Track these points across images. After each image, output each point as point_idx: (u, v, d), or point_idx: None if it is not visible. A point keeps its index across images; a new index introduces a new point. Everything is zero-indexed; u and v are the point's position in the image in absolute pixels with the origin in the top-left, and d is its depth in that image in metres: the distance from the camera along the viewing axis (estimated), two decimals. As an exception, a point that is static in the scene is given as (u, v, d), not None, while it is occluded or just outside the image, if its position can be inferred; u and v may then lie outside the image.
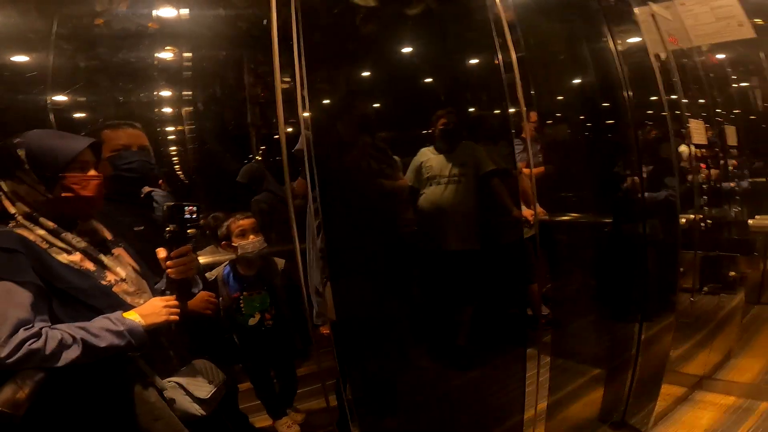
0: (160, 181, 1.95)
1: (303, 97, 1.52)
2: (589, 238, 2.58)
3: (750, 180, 2.98)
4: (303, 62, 1.54)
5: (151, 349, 1.23)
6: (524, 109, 1.98)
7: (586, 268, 2.59)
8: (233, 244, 1.94)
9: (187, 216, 1.28)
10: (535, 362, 2.07)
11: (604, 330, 2.59)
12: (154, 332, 1.21)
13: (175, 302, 1.26)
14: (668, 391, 2.57)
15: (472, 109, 2.46)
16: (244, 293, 1.98)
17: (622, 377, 2.52)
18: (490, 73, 2.11)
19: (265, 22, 1.49)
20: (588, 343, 2.63)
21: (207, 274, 1.94)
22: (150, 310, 1.20)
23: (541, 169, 2.08)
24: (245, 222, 1.95)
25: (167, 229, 1.27)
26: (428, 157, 2.21)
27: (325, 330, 1.73)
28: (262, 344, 2.01)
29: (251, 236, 1.94)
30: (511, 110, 1.99)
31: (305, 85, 1.55)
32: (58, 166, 1.16)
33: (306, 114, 1.55)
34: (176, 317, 1.24)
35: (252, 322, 1.98)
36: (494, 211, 2.14)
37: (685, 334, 2.58)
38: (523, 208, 2.02)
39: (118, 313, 1.16)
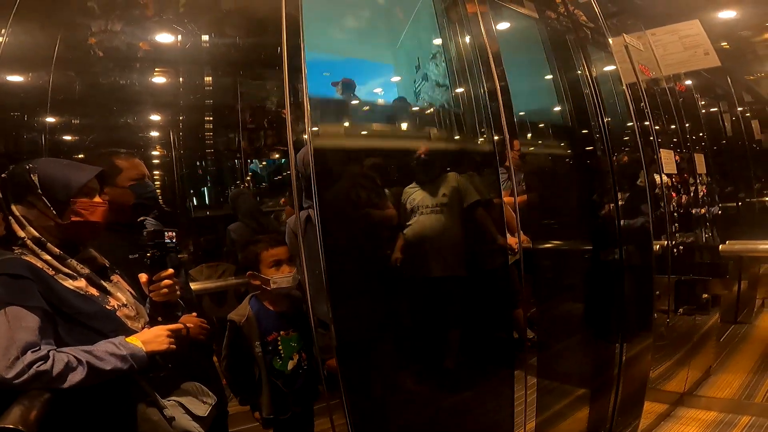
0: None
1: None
2: (570, 264, 2.64)
3: (720, 205, 3.11)
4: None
5: (151, 371, 1.26)
6: (508, 137, 2.04)
7: (568, 293, 2.65)
8: (265, 276, 1.68)
9: (167, 241, 1.32)
10: (522, 384, 2.10)
11: (587, 351, 2.65)
12: (153, 357, 1.23)
13: (176, 330, 1.29)
14: (651, 408, 2.64)
15: (456, 138, 2.51)
16: (282, 333, 1.72)
17: (606, 396, 2.57)
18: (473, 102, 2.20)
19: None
20: (572, 364, 2.67)
21: (232, 317, 1.72)
22: (152, 337, 1.23)
23: (524, 197, 2.14)
24: (279, 251, 1.69)
25: (147, 254, 1.30)
26: (411, 192, 2.24)
27: (332, 362, 1.67)
28: (302, 388, 1.74)
29: (286, 268, 1.69)
30: (495, 138, 2.05)
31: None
32: (70, 192, 1.20)
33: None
34: (175, 346, 1.27)
35: (291, 365, 1.71)
36: (480, 240, 2.17)
37: (665, 353, 2.66)
38: (508, 236, 2.06)
39: (121, 338, 1.19)
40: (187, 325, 1.37)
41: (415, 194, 2.23)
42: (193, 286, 1.75)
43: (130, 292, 1.35)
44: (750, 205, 3.73)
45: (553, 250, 2.55)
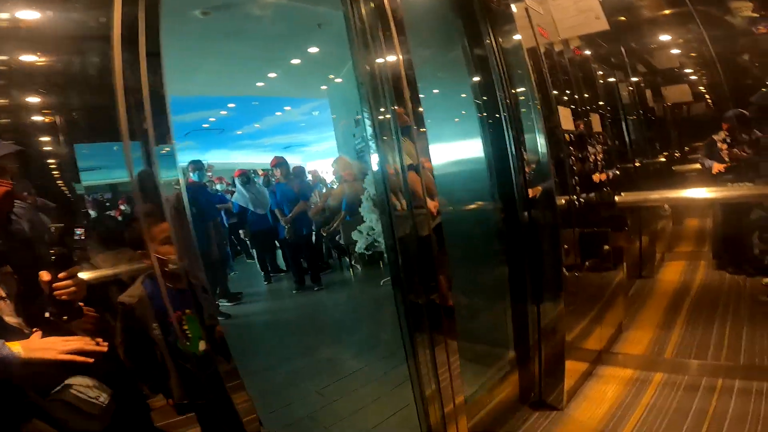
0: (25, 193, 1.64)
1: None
2: (484, 227, 2.60)
3: (618, 166, 3.23)
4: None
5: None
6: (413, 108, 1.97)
7: (485, 257, 2.61)
8: (157, 254, 1.49)
9: (76, 238, 1.31)
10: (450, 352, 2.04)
11: (509, 314, 2.63)
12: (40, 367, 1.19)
13: (75, 345, 1.24)
14: (574, 367, 2.66)
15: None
16: (187, 312, 1.53)
17: (532, 358, 2.59)
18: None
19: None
20: (497, 329, 2.66)
21: (122, 299, 1.52)
22: (42, 345, 1.20)
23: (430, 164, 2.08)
24: (165, 227, 1.50)
25: (52, 251, 1.27)
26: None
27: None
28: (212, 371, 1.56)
29: (172, 246, 1.50)
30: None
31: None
32: None
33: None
34: (66, 357, 1.21)
35: (202, 346, 1.54)
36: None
37: (580, 312, 2.69)
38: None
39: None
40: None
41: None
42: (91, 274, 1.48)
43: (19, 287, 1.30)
44: (646, 166, 3.92)
45: (468, 214, 2.51)
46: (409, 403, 2.13)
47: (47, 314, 1.27)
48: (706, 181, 3.55)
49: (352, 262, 4.36)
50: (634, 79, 4.28)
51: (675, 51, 4.54)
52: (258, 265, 4.65)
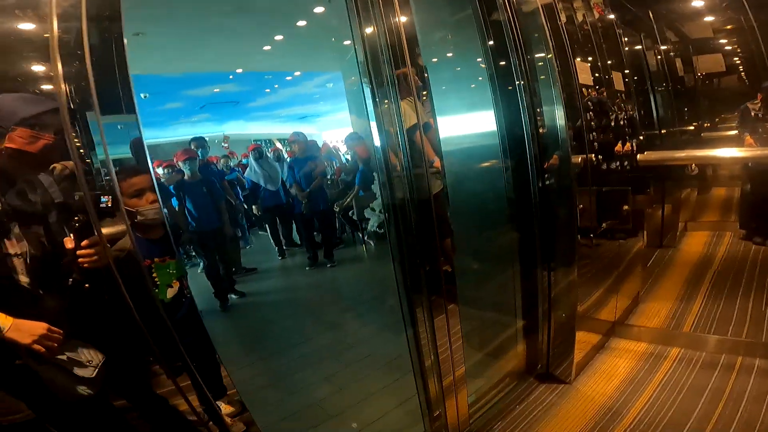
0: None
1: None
2: (495, 191, 2.51)
3: (644, 133, 3.06)
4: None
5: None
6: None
7: (496, 222, 2.53)
8: (129, 207, 1.48)
9: (102, 206, 1.28)
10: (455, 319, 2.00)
11: (518, 281, 2.54)
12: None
13: (56, 336, 1.26)
14: (585, 338, 2.58)
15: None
16: (156, 260, 1.58)
17: (541, 327, 2.51)
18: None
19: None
20: (506, 296, 2.58)
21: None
22: (23, 327, 1.21)
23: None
24: (139, 180, 1.50)
25: (76, 218, 1.26)
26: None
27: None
28: (185, 319, 1.58)
29: (150, 196, 1.52)
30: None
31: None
32: (13, 120, 1.22)
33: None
34: (40, 348, 1.23)
35: (171, 293, 1.60)
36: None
37: (594, 280, 2.59)
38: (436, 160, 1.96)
39: None
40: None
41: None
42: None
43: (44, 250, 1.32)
44: (673, 134, 3.75)
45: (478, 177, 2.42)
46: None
47: (70, 280, 1.28)
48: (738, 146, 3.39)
49: (365, 238, 4.34)
50: (663, 47, 4.06)
51: (708, 18, 4.31)
52: (272, 241, 4.70)
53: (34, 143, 1.25)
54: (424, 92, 1.99)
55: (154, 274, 1.58)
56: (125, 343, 1.43)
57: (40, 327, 1.23)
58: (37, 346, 1.22)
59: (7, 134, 1.23)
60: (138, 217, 1.53)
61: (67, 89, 1.22)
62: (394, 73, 1.89)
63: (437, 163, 1.98)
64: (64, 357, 1.31)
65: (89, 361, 1.35)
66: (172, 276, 1.60)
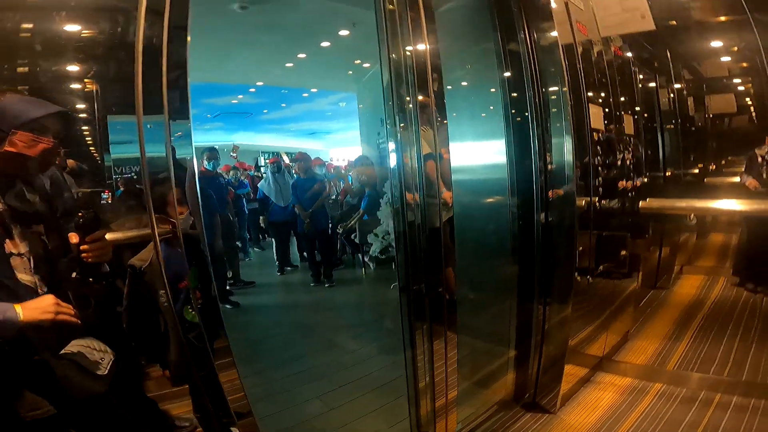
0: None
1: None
2: (499, 223, 2.58)
3: (648, 174, 3.13)
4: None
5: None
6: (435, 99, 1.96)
7: (497, 253, 2.60)
8: (172, 218, 1.49)
9: (104, 203, 1.34)
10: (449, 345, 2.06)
11: (513, 312, 2.62)
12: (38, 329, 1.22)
13: (65, 308, 1.27)
14: (572, 371, 2.66)
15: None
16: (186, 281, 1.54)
17: (531, 359, 2.59)
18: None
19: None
20: (500, 325, 2.66)
21: (133, 262, 1.52)
22: (36, 304, 1.23)
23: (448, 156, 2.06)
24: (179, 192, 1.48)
25: (80, 214, 1.29)
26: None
27: None
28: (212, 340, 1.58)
29: (182, 209, 1.50)
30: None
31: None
32: (14, 123, 1.22)
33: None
34: (63, 318, 1.25)
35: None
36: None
37: (587, 317, 2.67)
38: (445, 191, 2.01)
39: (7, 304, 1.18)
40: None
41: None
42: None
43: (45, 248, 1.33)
44: (677, 176, 3.81)
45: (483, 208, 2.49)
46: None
47: (74, 274, 1.32)
48: (739, 195, 3.44)
49: (365, 260, 4.38)
50: (677, 85, 4.11)
51: (725, 59, 4.35)
52: (275, 255, 4.74)
53: (34, 147, 1.25)
54: (443, 122, 2.04)
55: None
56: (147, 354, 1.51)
57: (47, 300, 1.25)
58: (54, 317, 1.23)
59: (7, 138, 1.23)
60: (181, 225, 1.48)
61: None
62: (417, 100, 1.95)
63: (447, 194, 2.05)
64: (75, 350, 1.33)
65: (101, 358, 1.37)
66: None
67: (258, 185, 4.18)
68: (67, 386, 1.31)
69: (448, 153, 2.06)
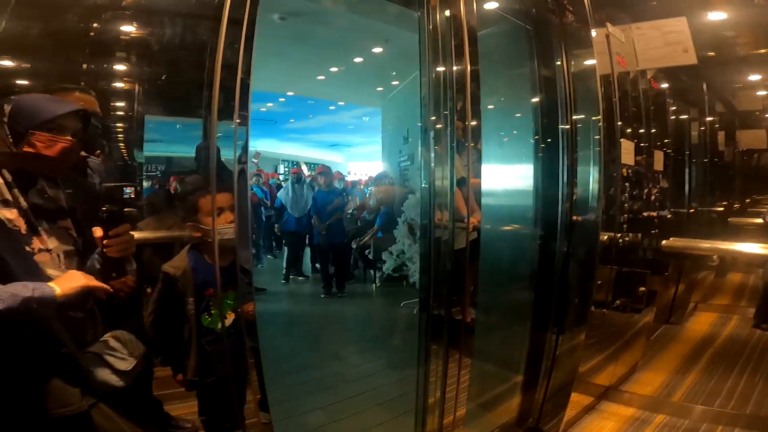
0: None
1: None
2: (520, 249, 2.61)
3: (672, 210, 3.14)
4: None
5: (77, 316, 1.29)
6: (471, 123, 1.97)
7: (515, 278, 2.63)
8: (204, 225, 1.48)
9: (126, 197, 1.33)
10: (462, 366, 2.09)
11: (522, 339, 2.65)
12: (75, 302, 1.24)
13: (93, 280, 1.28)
14: (578, 399, 2.69)
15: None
16: (222, 290, 1.52)
17: (539, 384, 2.61)
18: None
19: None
20: (511, 349, 2.69)
21: (167, 269, 1.54)
22: (66, 277, 1.23)
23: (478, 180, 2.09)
24: (223, 198, 1.47)
25: (104, 209, 1.28)
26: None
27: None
28: (231, 349, 1.57)
29: (230, 216, 1.47)
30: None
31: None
32: (31, 123, 1.21)
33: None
34: (95, 284, 1.26)
35: (228, 323, 1.54)
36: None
37: (598, 347, 2.70)
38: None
39: (40, 283, 1.18)
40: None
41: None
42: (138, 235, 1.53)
43: (75, 243, 1.34)
44: (700, 213, 3.80)
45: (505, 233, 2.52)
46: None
47: (96, 265, 1.31)
48: (762, 237, 3.43)
49: (377, 278, 4.41)
50: (709, 118, 4.09)
51: (761, 92, 4.31)
52: (284, 263, 4.79)
53: (53, 147, 1.24)
54: (477, 147, 2.05)
55: (211, 304, 1.56)
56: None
57: (73, 272, 1.26)
58: (88, 284, 1.24)
59: (26, 137, 1.22)
60: (216, 235, 1.46)
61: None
62: (456, 123, 1.97)
63: (476, 218, 2.06)
64: (102, 344, 1.34)
65: (130, 353, 1.36)
66: (229, 306, 1.55)
67: (278, 194, 4.23)
68: (90, 380, 1.31)
69: (479, 179, 2.08)
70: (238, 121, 1.46)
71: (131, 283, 1.45)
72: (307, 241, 4.65)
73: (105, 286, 1.28)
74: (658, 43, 2.80)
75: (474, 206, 2.05)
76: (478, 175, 2.08)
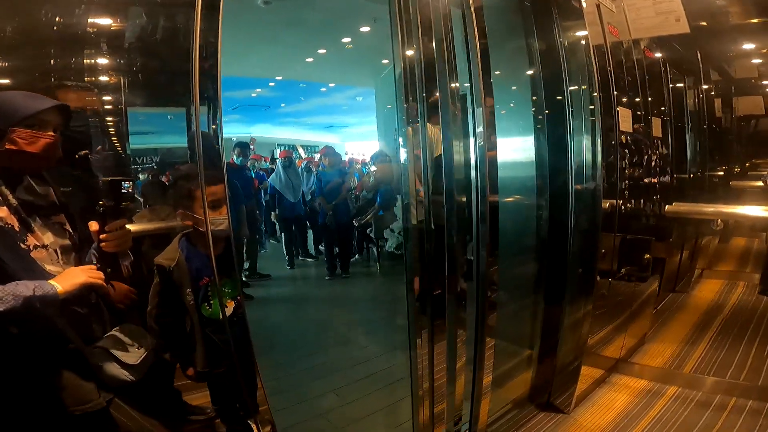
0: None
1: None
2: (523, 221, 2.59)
3: (674, 176, 3.11)
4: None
5: (82, 312, 1.30)
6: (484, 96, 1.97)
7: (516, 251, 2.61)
8: (197, 216, 1.47)
9: (123, 191, 1.33)
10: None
11: (534, 312, 2.64)
12: (77, 298, 1.25)
13: (96, 272, 1.28)
14: (588, 372, 2.68)
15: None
16: (217, 278, 1.52)
17: (549, 359, 2.61)
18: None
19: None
20: (519, 324, 2.68)
21: (160, 261, 1.54)
22: (67, 274, 1.23)
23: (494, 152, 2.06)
24: (218, 189, 1.46)
25: (101, 203, 1.29)
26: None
27: None
28: (237, 337, 1.56)
29: (224, 208, 1.47)
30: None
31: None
32: (11, 120, 1.20)
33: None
34: (97, 280, 1.27)
35: (228, 312, 1.55)
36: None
37: (605, 319, 2.68)
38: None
39: (42, 282, 1.18)
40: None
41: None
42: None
43: (71, 238, 1.35)
44: (701, 178, 3.78)
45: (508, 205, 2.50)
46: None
47: (93, 260, 1.32)
48: (763, 200, 3.41)
49: (380, 255, 4.40)
50: (705, 86, 4.06)
51: (756, 60, 4.28)
52: (284, 250, 4.78)
53: (35, 143, 1.23)
54: (492, 120, 2.03)
55: (210, 293, 1.57)
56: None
57: (73, 269, 1.26)
58: (89, 280, 1.24)
59: (6, 135, 1.20)
60: (209, 227, 1.44)
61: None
62: (432, 97, 1.93)
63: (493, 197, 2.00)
64: (110, 338, 1.35)
65: (138, 346, 1.37)
66: (228, 295, 1.55)
67: (269, 180, 4.18)
68: (100, 375, 1.32)
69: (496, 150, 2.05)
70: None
71: (133, 296, 1.50)
72: (308, 225, 4.62)
73: (106, 285, 1.29)
74: (650, 13, 2.77)
75: (493, 183, 2.02)
76: (493, 147, 2.04)
